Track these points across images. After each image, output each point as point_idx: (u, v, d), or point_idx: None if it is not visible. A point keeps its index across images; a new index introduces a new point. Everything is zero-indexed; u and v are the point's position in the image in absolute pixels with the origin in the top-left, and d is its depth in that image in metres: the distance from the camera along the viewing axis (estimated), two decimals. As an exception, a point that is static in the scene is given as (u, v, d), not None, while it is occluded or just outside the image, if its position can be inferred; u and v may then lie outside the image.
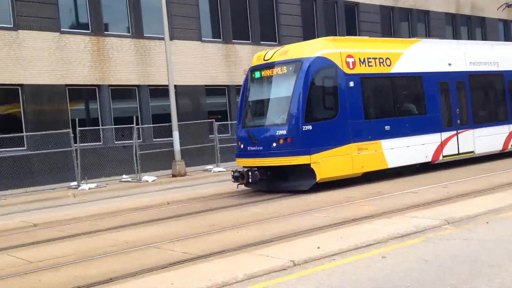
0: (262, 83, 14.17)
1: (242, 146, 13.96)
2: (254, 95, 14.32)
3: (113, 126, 21.26)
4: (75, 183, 18.46)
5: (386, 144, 14.59)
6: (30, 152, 18.90)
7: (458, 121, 16.69)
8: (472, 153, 16.93)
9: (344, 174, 13.80)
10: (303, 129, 13.04)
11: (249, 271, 6.34)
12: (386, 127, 14.68)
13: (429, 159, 15.79)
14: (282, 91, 13.60)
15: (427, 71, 15.99)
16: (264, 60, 14.16)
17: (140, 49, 22.32)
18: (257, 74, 14.16)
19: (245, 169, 13.38)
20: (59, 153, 18.79)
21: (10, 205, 15.50)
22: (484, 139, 17.24)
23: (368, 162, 14.18)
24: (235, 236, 9.06)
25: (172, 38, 21.54)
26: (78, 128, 18.75)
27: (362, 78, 14.27)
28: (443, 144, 16.10)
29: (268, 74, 13.93)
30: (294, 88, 13.13)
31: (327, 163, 13.31)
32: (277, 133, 13.14)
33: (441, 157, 16.06)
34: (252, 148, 13.61)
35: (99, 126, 20.99)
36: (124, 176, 19.89)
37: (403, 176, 15.18)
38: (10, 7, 19.28)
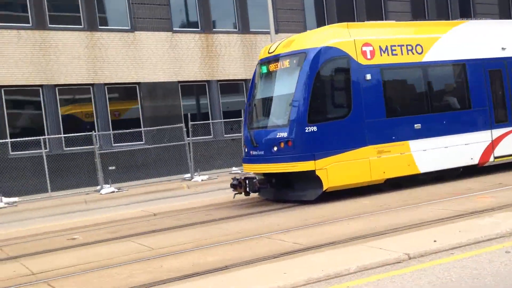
0: (266, 79, 12.58)
1: (246, 150, 12.58)
2: (259, 92, 12.75)
3: (222, 120, 22.01)
4: (188, 175, 19.36)
5: (416, 145, 12.55)
6: (148, 146, 20.12)
7: None
8: None
9: (359, 181, 11.95)
10: (306, 130, 11.34)
11: (361, 263, 6.28)
12: (416, 125, 12.65)
13: (475, 162, 13.44)
14: (285, 88, 11.94)
15: (473, 58, 13.65)
16: (268, 53, 12.63)
17: (247, 44, 22.85)
18: (263, 69, 12.61)
19: (243, 177, 12.05)
20: (173, 146, 19.83)
21: (131, 195, 16.61)
22: None
23: (391, 167, 12.20)
24: (345, 228, 9.03)
25: (277, 31, 21.77)
26: (190, 123, 19.66)
27: (384, 70, 12.39)
28: (494, 144, 13.67)
29: (272, 69, 12.32)
30: (296, 84, 11.46)
31: (337, 169, 11.51)
32: (277, 136, 11.57)
33: (491, 159, 13.68)
34: (254, 153, 12.16)
35: (209, 120, 21.83)
36: (234, 168, 20.49)
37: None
38: (128, 10, 20.60)
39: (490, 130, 13.70)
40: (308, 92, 11.33)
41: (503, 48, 14.33)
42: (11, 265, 8.56)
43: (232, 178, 12.29)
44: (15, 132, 18.83)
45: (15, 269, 8.18)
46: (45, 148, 18.29)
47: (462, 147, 13.17)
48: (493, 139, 13.72)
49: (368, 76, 12.00)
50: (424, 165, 12.68)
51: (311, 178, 11.38)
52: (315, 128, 11.36)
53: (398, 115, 12.62)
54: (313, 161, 11.26)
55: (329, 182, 11.40)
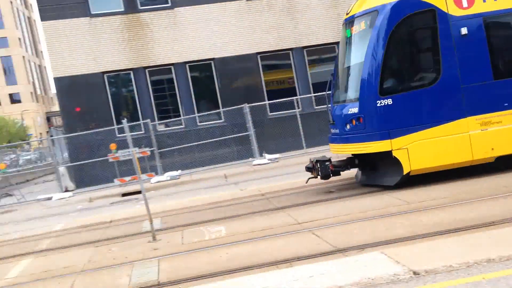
0: (344, 45, 11.03)
1: (331, 128, 11.32)
2: (338, 61, 11.24)
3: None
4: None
5: None
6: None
7: None
8: None
9: (456, 161, 9.81)
10: (378, 104, 9.68)
11: None
12: None
13: None
14: (358, 55, 10.27)
15: None
16: (346, 14, 10.98)
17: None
18: (343, 33, 11.01)
19: (315, 159, 10.68)
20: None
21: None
22: None
23: (504, 141, 9.77)
24: None
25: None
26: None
27: (488, 20, 9.80)
28: None
29: (349, 33, 10.63)
30: (366, 49, 9.80)
31: (423, 148, 9.67)
32: (349, 112, 10.16)
33: None
34: (332, 131, 11.03)
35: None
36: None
37: None
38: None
39: None
40: (380, 58, 9.63)
41: None
42: (278, 214, 9.46)
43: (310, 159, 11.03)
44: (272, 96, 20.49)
45: (283, 218, 9.02)
46: (298, 108, 19.59)
47: None
48: None
49: (464, 30, 9.71)
50: None
51: (390, 160, 9.83)
52: (389, 101, 9.69)
53: None
54: (389, 140, 9.67)
55: (411, 165, 9.68)
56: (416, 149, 9.62)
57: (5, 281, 7.71)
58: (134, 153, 9.96)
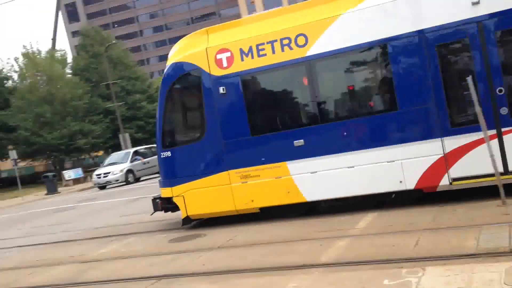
0: None
1: None
2: None
3: None
4: None
5: (299, 167, 9.61)
6: None
7: (504, 111, 8.41)
8: None
9: (222, 210, 10.31)
10: (162, 156, 10.70)
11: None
12: (296, 142, 9.58)
13: (409, 186, 9.04)
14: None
15: (401, 33, 8.89)
16: None
17: None
18: None
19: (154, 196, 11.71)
20: None
21: None
22: None
23: (262, 194, 9.92)
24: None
25: None
26: None
27: (245, 78, 9.95)
28: (449, 159, 8.67)
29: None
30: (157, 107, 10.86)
31: (195, 196, 10.40)
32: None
33: (446, 181, 8.77)
34: None
35: None
36: None
37: None
38: None
39: (440, 139, 8.75)
40: (161, 115, 10.64)
41: (473, 3, 8.48)
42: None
43: None
44: None
45: None
46: None
47: (385, 166, 9.13)
48: (446, 152, 8.75)
49: (222, 90, 10.01)
50: (312, 192, 9.67)
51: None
52: (169, 153, 10.63)
53: (270, 132, 9.92)
54: (170, 188, 10.69)
55: (187, 210, 10.58)
56: (190, 197, 10.47)
57: (356, 230, 8.32)
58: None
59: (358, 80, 9.79)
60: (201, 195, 10.37)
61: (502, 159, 8.50)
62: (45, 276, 8.72)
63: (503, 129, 8.48)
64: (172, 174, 10.69)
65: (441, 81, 8.77)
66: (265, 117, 10.23)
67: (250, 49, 9.88)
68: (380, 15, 9.08)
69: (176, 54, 10.67)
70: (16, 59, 48.45)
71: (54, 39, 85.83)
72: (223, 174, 10.20)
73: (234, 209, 10.24)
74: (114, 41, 53.63)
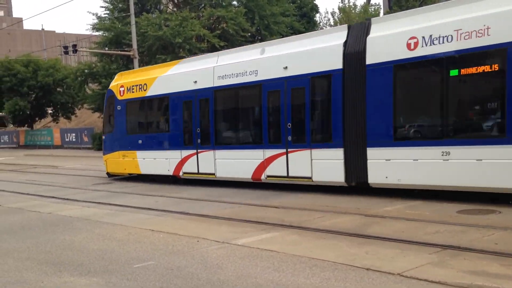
0: None
1: None
2: None
3: None
4: None
5: (140, 155, 17.70)
6: None
7: (199, 140, 15.56)
8: (213, 176, 15.17)
9: (118, 172, 19.02)
10: (103, 138, 20.14)
11: None
12: (139, 141, 17.71)
13: (171, 173, 16.58)
14: None
15: (173, 92, 16.39)
16: None
17: None
18: None
19: None
20: None
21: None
22: (228, 162, 14.73)
23: (128, 166, 18.22)
24: None
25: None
26: None
27: (127, 103, 18.19)
28: (183, 161, 16.02)
29: None
30: None
31: (109, 162, 19.19)
32: None
33: (181, 174, 16.31)
34: None
35: None
36: None
37: None
38: None
39: (180, 151, 16.13)
40: (104, 116, 21.13)
41: (195, 82, 15.67)
42: None
43: None
44: None
45: None
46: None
47: (164, 161, 16.74)
48: (182, 158, 16.07)
49: (119, 107, 18.48)
50: (143, 169, 17.72)
51: None
52: (104, 137, 19.89)
53: (132, 133, 18.13)
54: (103, 156, 19.70)
55: (107, 169, 19.42)
56: (108, 162, 19.49)
57: None
58: None
59: (158, 114, 17.81)
60: (111, 162, 19.15)
61: (287, 168, 13.24)
62: (333, 222, 9.28)
63: (199, 150, 15.62)
64: (104, 149, 19.74)
65: (182, 121, 16.46)
66: (132, 125, 18.40)
67: (130, 87, 18.15)
68: (167, 81, 16.80)
69: (111, 84, 19.64)
70: (333, 14, 51.08)
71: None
72: (117, 152, 18.73)
73: (121, 172, 18.87)
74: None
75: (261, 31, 36.37)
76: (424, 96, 11.01)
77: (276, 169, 13.42)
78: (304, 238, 8.03)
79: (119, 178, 19.11)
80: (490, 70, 9.77)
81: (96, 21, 37.94)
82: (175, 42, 31.98)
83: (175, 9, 38.57)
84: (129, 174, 18.49)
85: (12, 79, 47.75)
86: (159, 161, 16.81)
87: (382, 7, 50.75)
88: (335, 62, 12.06)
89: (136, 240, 8.58)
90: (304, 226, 8.89)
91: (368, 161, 11.54)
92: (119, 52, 33.46)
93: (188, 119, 15.96)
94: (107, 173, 19.44)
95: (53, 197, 14.85)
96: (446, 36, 10.27)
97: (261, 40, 32.94)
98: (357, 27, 12.23)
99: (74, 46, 31.59)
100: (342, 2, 47.70)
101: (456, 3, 10.48)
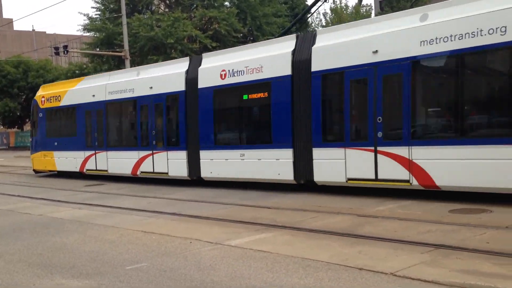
0: None
1: None
2: None
3: None
4: None
5: (56, 154, 21.28)
6: None
7: (96, 143, 19.14)
8: (106, 172, 18.83)
9: (41, 169, 22.35)
10: (30, 140, 24.35)
11: None
12: (55, 143, 21.22)
13: (78, 170, 20.09)
14: None
15: (78, 103, 19.95)
16: None
17: None
18: None
19: None
20: None
21: None
22: (116, 161, 18.40)
23: (48, 164, 21.73)
24: None
25: None
26: None
27: (46, 111, 21.82)
28: (86, 160, 19.66)
29: None
30: None
31: (35, 161, 22.62)
32: None
33: (85, 170, 19.79)
34: None
35: None
36: None
37: None
38: None
39: (83, 151, 19.81)
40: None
41: (93, 95, 19.33)
42: None
43: None
44: None
45: None
46: None
47: (73, 160, 20.29)
48: (85, 157, 19.73)
49: (41, 114, 22.06)
50: (59, 166, 21.24)
51: None
52: (31, 139, 23.75)
53: (50, 137, 21.65)
54: (31, 155, 23.36)
55: (33, 166, 22.82)
56: (34, 160, 23.01)
57: None
58: None
59: (68, 121, 20.70)
60: (36, 161, 22.53)
61: (152, 165, 16.88)
62: (325, 222, 9.30)
63: (96, 151, 19.45)
64: (31, 149, 23.14)
65: (85, 127, 19.84)
66: (50, 129, 21.64)
67: (49, 98, 21.59)
68: (75, 93, 20.44)
69: (36, 94, 22.95)
70: (324, 14, 51.25)
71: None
72: (40, 152, 22.18)
73: (42, 169, 22.25)
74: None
75: (253, 31, 36.39)
76: (230, 114, 15.04)
77: (147, 166, 17.00)
78: (297, 239, 8.03)
79: (111, 180, 19.00)
80: (263, 95, 13.55)
81: (87, 21, 37.80)
82: (167, 42, 31.91)
83: (166, 9, 38.50)
84: (49, 171, 22.19)
85: (2, 80, 47.48)
86: (69, 160, 20.54)
87: (373, 8, 50.97)
88: (179, 86, 15.78)
89: (128, 241, 8.54)
90: (297, 227, 8.89)
91: (200, 160, 15.19)
92: (110, 53, 33.34)
93: (89, 126, 19.54)
94: (34, 170, 22.86)
95: (43, 198, 14.76)
96: (241, 70, 14.00)
97: (253, 41, 32.95)
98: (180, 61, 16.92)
99: (65, 47, 31.44)
100: (334, 3, 47.57)
101: (247, 47, 15.07)
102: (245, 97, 13.93)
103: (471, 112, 10.39)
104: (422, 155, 10.57)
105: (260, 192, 13.52)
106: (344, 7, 47.92)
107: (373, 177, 11.40)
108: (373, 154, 11.33)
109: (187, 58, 16.28)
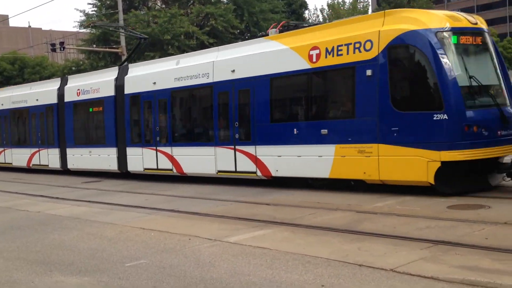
0: None
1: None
2: None
3: None
4: None
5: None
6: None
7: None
8: (11, 164, 24.23)
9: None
10: None
11: None
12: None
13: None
14: None
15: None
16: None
17: None
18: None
19: None
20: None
21: None
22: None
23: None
24: None
25: None
26: None
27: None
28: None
29: None
30: None
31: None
32: None
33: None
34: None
35: None
36: None
37: None
38: None
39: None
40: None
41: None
42: None
43: None
44: None
45: None
46: None
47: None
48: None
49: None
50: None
51: None
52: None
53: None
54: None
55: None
56: None
57: None
58: None
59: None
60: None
61: (39, 159, 22.26)
62: (324, 218, 9.31)
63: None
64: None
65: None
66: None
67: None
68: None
69: None
70: (322, 10, 51.29)
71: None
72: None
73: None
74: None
75: (250, 28, 36.30)
76: (81, 122, 20.24)
77: (36, 160, 22.05)
78: (296, 235, 8.03)
79: (108, 176, 18.95)
80: (100, 109, 18.88)
81: (83, 18, 37.65)
82: (163, 39, 31.82)
83: (163, 6, 38.35)
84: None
85: (-2, 77, 47.23)
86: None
87: (370, 3, 50.89)
88: (52, 99, 21.33)
89: (127, 238, 8.52)
90: (296, 223, 8.88)
91: (67, 155, 20.34)
92: (107, 49, 33.23)
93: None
94: None
95: (41, 195, 14.72)
96: (88, 90, 19.33)
97: (250, 37, 32.84)
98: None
99: (62, 43, 31.28)
100: (332, -1, 47.31)
101: (94, 73, 21.15)
102: (90, 109, 19.33)
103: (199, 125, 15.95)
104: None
105: (258, 189, 13.51)
106: (342, 2, 47.81)
107: (155, 167, 16.71)
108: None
109: (59, 79, 22.24)
